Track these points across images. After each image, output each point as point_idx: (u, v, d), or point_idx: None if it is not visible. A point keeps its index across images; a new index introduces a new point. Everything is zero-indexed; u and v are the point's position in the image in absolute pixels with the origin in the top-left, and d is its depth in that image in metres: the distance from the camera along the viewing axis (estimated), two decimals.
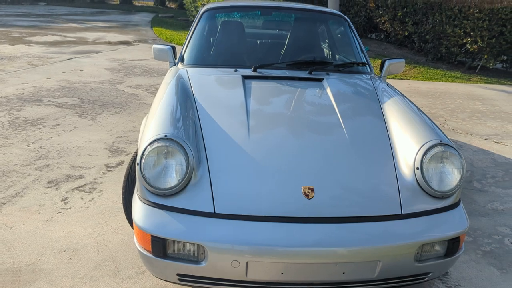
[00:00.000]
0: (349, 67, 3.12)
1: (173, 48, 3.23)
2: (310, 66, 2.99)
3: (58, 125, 4.61)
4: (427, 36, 8.44)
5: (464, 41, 7.66)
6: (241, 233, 1.83)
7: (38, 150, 3.94)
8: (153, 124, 2.15)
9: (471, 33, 7.48)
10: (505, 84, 7.24)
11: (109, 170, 3.63)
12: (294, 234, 1.84)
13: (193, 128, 2.21)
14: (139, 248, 1.96)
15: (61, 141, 4.18)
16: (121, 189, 2.54)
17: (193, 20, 11.58)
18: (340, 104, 2.54)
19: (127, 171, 2.47)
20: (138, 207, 1.97)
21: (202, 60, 3.15)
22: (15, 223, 2.82)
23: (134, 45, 10.07)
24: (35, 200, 3.11)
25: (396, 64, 3.24)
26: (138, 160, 1.97)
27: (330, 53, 3.39)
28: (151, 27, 13.34)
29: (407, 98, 2.76)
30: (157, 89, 6.16)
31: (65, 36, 10.91)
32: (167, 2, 21.19)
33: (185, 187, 1.96)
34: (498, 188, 3.56)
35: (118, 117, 4.94)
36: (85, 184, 3.37)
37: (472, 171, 3.87)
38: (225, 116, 2.40)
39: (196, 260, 1.87)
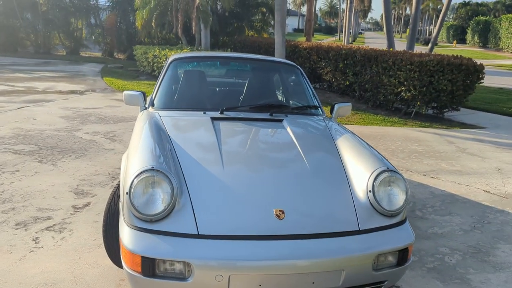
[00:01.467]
0: (304, 110, 3.51)
1: (144, 94, 3.49)
2: (270, 109, 3.35)
3: (18, 170, 4.63)
4: (367, 86, 9.24)
5: (399, 89, 8.48)
6: (223, 250, 2.07)
7: (1, 195, 3.96)
8: (138, 158, 2.38)
9: (405, 83, 8.31)
10: (436, 127, 8.03)
11: (76, 211, 3.71)
12: (269, 250, 2.10)
13: (172, 162, 2.45)
14: (128, 270, 2.12)
15: (24, 186, 4.21)
16: (102, 222, 2.69)
17: (143, 70, 11.79)
18: (299, 140, 2.89)
19: (108, 206, 2.64)
20: (127, 232, 2.16)
21: (171, 104, 3.43)
22: None
23: (86, 94, 10.15)
24: (5, 241, 3.14)
25: (344, 108, 3.68)
26: (126, 190, 2.18)
27: (286, 97, 3.79)
28: (101, 77, 13.46)
29: (355, 134, 3.17)
30: (114, 135, 6.32)
31: (13, 86, 10.79)
32: (115, 53, 21.41)
33: (169, 213, 2.18)
34: (437, 215, 4.01)
35: (79, 162, 5.02)
36: (54, 225, 3.44)
37: (414, 202, 4.31)
38: (199, 152, 2.67)
39: (182, 277, 2.06)
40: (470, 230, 3.72)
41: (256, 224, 2.19)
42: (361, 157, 2.70)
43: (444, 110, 8.69)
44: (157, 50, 12.36)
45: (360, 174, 2.53)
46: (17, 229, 3.34)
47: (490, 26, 40.41)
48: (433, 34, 16.92)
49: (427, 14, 79.08)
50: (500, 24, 36.90)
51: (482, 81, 8.38)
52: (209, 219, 2.18)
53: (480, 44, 42.86)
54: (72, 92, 10.34)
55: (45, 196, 4.00)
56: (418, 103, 8.36)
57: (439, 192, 4.65)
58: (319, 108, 3.62)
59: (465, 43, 48.06)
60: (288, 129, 3.05)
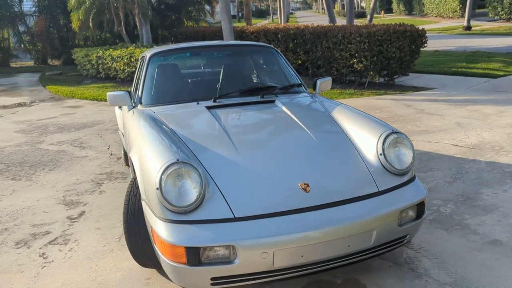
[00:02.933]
0: (290, 88, 3.60)
1: (129, 93, 3.43)
2: (259, 91, 3.42)
3: None
4: (319, 62, 9.49)
5: (351, 62, 8.79)
6: (264, 228, 2.14)
7: None
8: (156, 154, 2.37)
9: (356, 55, 8.62)
10: (391, 94, 8.43)
11: (74, 222, 3.62)
12: (306, 221, 2.20)
13: (189, 153, 2.47)
14: (171, 263, 2.14)
15: (7, 205, 4.02)
16: (122, 224, 2.66)
17: (87, 74, 11.32)
18: (299, 117, 2.99)
19: (126, 207, 2.61)
20: (163, 227, 2.17)
21: (161, 99, 3.41)
22: (2, 285, 2.74)
23: (34, 105, 9.67)
24: (11, 262, 3.03)
25: (325, 82, 3.81)
26: (156, 186, 2.18)
27: (270, 79, 3.86)
28: (43, 86, 12.82)
29: (346, 104, 3.31)
30: (82, 142, 6.12)
31: None
32: (49, 60, 20.37)
33: (201, 202, 2.22)
34: (420, 173, 4.27)
35: (55, 174, 4.84)
36: (56, 238, 3.34)
37: None
38: (208, 140, 2.71)
39: (228, 261, 2.11)
40: (453, 181, 4.01)
41: (286, 200, 2.28)
42: (363, 124, 2.84)
43: (395, 77, 9.12)
44: (101, 51, 11.95)
45: (367, 139, 2.67)
46: (18, 248, 3.22)
47: None
48: (371, 5, 17.54)
49: None
50: None
51: (426, 45, 8.87)
52: (240, 202, 2.24)
53: (406, 12, 44.74)
54: (18, 105, 9.81)
55: (34, 212, 3.85)
56: (371, 72, 8.72)
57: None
58: (303, 86, 3.73)
59: (392, 12, 50.00)
60: (284, 108, 3.13)
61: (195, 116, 3.11)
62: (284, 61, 3.91)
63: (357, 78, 9.18)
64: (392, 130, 2.64)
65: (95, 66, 12.38)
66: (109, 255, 3.05)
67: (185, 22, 18.87)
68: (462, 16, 29.85)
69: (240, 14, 55.89)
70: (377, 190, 2.42)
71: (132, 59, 10.88)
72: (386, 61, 8.52)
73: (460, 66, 10.87)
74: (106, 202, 3.99)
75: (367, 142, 2.67)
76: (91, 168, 4.98)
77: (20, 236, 3.39)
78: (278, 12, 28.91)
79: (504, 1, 25.47)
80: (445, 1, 33.79)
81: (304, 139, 2.74)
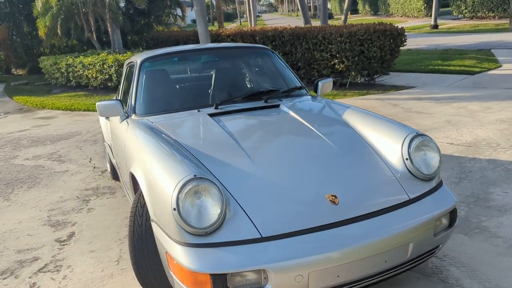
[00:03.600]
0: (292, 92, 3.40)
1: (121, 102, 3.16)
2: (262, 96, 3.21)
3: None
4: (299, 64, 9.35)
5: (332, 62, 8.69)
6: (296, 248, 1.93)
7: None
8: (167, 171, 2.13)
9: (337, 55, 8.53)
10: (374, 93, 8.37)
11: (64, 245, 3.30)
12: (340, 237, 2.00)
13: (201, 167, 2.24)
14: None
15: None
16: (128, 248, 2.39)
17: (56, 83, 10.81)
18: (309, 122, 2.80)
19: (131, 229, 2.35)
20: (183, 251, 1.93)
21: (157, 107, 3.14)
22: None
23: (1, 118, 9.13)
24: None
25: (326, 83, 3.64)
26: (173, 206, 1.94)
27: (270, 82, 3.65)
28: (9, 97, 12.20)
29: (355, 106, 3.14)
30: (60, 156, 5.75)
31: None
32: (13, 69, 19.51)
33: (222, 222, 1.99)
34: None
35: (36, 192, 4.48)
36: (46, 265, 3.03)
37: None
38: (219, 151, 2.47)
39: (258, 287, 1.89)
40: (459, 182, 3.91)
41: (315, 214, 2.07)
42: (380, 127, 2.68)
43: (375, 76, 9.09)
44: (71, 59, 11.46)
45: (388, 144, 2.51)
46: (4, 279, 2.89)
47: None
48: (345, 6, 17.60)
49: None
50: None
51: (405, 43, 8.87)
52: (266, 220, 2.03)
53: (372, 12, 45.49)
54: None
55: (17, 236, 3.51)
56: (353, 73, 8.65)
57: None
58: (304, 88, 3.55)
59: (358, 13, 50.75)
60: (292, 113, 2.94)
61: (198, 125, 2.87)
62: (282, 63, 3.72)
63: (339, 78, 9.09)
64: (417, 133, 2.48)
65: (65, 75, 11.86)
66: (109, 281, 2.76)
67: (155, 27, 18.45)
68: (427, 15, 30.54)
69: (207, 18, 55.60)
70: (408, 198, 2.25)
71: (105, 66, 10.46)
72: (368, 60, 8.47)
73: (436, 64, 10.97)
74: (96, 220, 3.68)
75: (389, 147, 2.50)
76: (74, 183, 4.64)
77: (5, 265, 3.06)
78: (247, 15, 28.76)
79: (468, 0, 26.18)
80: (410, 1, 34.48)
81: (322, 146, 2.54)
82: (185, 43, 12.79)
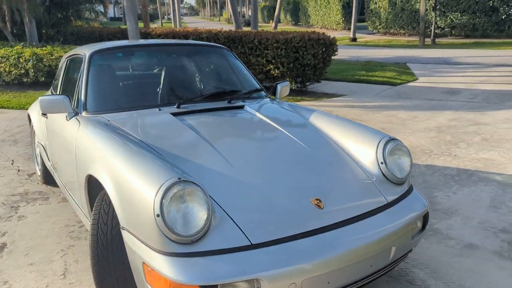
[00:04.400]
0: (252, 93, 3.30)
1: (68, 98, 2.85)
2: (223, 96, 3.08)
3: None
4: None
5: (268, 68, 8.74)
6: (288, 255, 1.84)
7: None
8: (146, 174, 1.92)
9: (273, 61, 8.60)
10: (308, 100, 8.55)
11: None
12: (329, 243, 1.95)
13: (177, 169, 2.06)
14: None
15: None
16: (90, 260, 2.12)
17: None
18: (278, 124, 2.73)
19: (94, 238, 2.10)
20: (167, 262, 1.75)
21: (112, 105, 2.88)
22: None
23: None
24: None
25: (285, 87, 3.61)
26: (157, 212, 1.75)
27: (227, 82, 3.51)
28: None
29: (319, 110, 3.13)
30: None
31: None
32: None
33: (208, 229, 1.84)
34: None
35: None
36: None
37: None
38: (192, 153, 2.31)
39: None
40: None
41: (302, 219, 2.00)
42: (350, 131, 2.68)
43: (307, 84, 9.30)
44: None
45: (360, 147, 2.51)
46: None
47: (299, 5, 44.52)
48: (276, 13, 17.89)
49: None
50: (308, 3, 40.93)
51: (336, 52, 9.19)
52: (254, 226, 1.91)
53: (293, 22, 46.98)
54: None
55: None
56: (288, 79, 8.76)
57: None
58: (264, 91, 3.48)
59: (280, 22, 52.10)
60: (259, 115, 2.85)
61: (163, 124, 2.66)
62: (240, 63, 3.61)
63: (274, 84, 9.16)
64: (389, 137, 2.51)
65: None
66: None
67: (74, 21, 17.33)
68: (345, 28, 32.20)
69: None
70: (386, 202, 2.26)
71: (21, 59, 9.56)
72: (302, 68, 8.64)
73: (361, 74, 11.52)
74: (31, 230, 3.28)
75: (362, 150, 2.50)
76: None
77: None
78: (172, 16, 28.18)
79: (381, 17, 28.00)
80: (329, 14, 36.12)
81: (297, 149, 2.48)
82: (110, 39, 12.14)
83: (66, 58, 3.70)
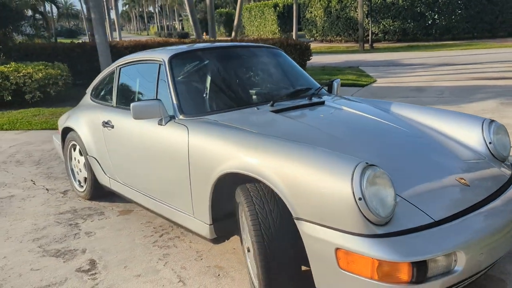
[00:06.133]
0: (320, 90, 3.43)
1: (161, 101, 2.80)
2: (299, 94, 3.17)
3: None
4: None
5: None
6: (470, 228, 1.98)
7: None
8: (330, 161, 1.96)
9: None
10: None
11: (93, 274, 2.75)
12: (490, 216, 2.11)
13: None
14: (384, 285, 1.79)
15: None
16: (257, 256, 2.10)
17: None
18: (371, 115, 2.88)
19: (258, 232, 2.10)
20: (373, 243, 1.82)
21: (209, 106, 2.90)
22: None
23: None
24: None
25: (339, 84, 3.77)
26: (358, 196, 1.82)
27: (295, 80, 3.59)
28: None
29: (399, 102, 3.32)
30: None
31: None
32: None
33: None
34: None
35: None
36: None
37: None
38: (325, 144, 2.36)
39: (448, 271, 1.88)
40: None
41: (460, 196, 2.16)
42: (444, 117, 2.88)
43: None
44: None
45: (463, 131, 2.71)
46: None
47: (233, 16, 45.11)
48: (235, 22, 18.00)
49: (168, 10, 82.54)
50: (242, 14, 41.62)
51: (311, 57, 9.54)
52: (427, 205, 2.03)
53: (227, 33, 47.44)
54: None
55: (18, 272, 2.79)
56: None
57: None
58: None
59: (207, 34, 52.34)
60: (347, 108, 3.01)
61: (275, 120, 2.70)
62: (294, 62, 3.73)
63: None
64: (489, 119, 2.74)
65: None
66: None
67: (15, 37, 16.32)
68: (280, 38, 33.17)
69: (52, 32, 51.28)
70: (509, 177, 2.46)
71: None
72: None
73: (326, 78, 11.94)
74: (109, 244, 3.13)
75: (464, 134, 2.70)
76: (37, 208, 3.86)
77: None
78: (116, 30, 27.49)
79: (318, 25, 29.21)
80: (264, 24, 37.01)
81: (406, 134, 2.65)
82: (67, 55, 11.62)
83: (118, 66, 3.59)
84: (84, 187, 3.97)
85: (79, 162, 3.96)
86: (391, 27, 25.36)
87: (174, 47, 3.56)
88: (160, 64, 3.07)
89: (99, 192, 3.88)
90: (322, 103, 3.11)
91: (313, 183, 1.95)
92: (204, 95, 3.00)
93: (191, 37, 50.01)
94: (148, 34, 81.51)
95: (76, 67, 10.86)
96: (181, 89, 2.92)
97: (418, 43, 23.89)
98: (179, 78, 2.99)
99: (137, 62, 3.40)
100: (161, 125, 2.81)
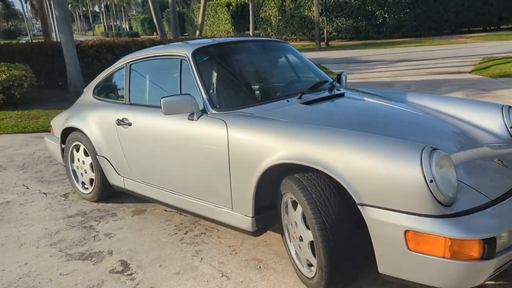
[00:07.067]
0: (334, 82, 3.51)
1: (192, 96, 2.76)
2: (318, 86, 3.23)
3: None
4: None
5: None
6: None
7: None
8: (395, 147, 2.03)
9: None
10: None
11: (130, 274, 2.67)
12: None
13: None
14: (455, 262, 1.88)
15: None
16: (319, 244, 2.13)
17: None
18: (395, 104, 3.00)
19: (319, 220, 2.13)
20: (445, 223, 1.90)
21: (240, 100, 2.88)
22: None
23: None
24: None
25: (346, 77, 3.86)
26: (430, 178, 1.90)
27: (308, 73, 3.64)
28: None
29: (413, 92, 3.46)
30: None
31: None
32: None
33: None
34: None
35: (7, 230, 3.40)
36: None
37: None
38: (374, 130, 2.43)
39: (510, 246, 1.99)
40: None
41: (505, 176, 2.29)
42: (465, 104, 3.03)
43: None
44: None
45: (486, 117, 2.86)
46: None
47: (185, 16, 44.62)
48: (200, 21, 17.82)
49: (114, 10, 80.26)
50: (194, 13, 41.25)
51: None
52: (481, 186, 2.15)
53: (180, 33, 46.85)
54: None
55: (48, 278, 2.66)
56: None
57: None
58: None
59: (157, 34, 51.46)
60: (369, 99, 3.10)
61: (310, 112, 2.74)
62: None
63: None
64: (507, 105, 2.91)
65: None
66: None
67: None
68: (236, 37, 33.17)
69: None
70: None
71: None
72: None
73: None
74: (134, 244, 3.05)
75: (481, 119, 2.86)
76: (41, 213, 3.68)
77: None
78: (55, 32, 26.26)
79: (273, 24, 29.49)
80: (217, 24, 36.90)
81: (441, 123, 2.78)
82: (26, 55, 11.07)
83: (128, 63, 3.49)
84: (90, 189, 3.82)
85: (83, 163, 3.81)
86: (344, 26, 26.05)
87: (190, 41, 3.50)
88: (181, 59, 3.02)
89: (106, 194, 3.75)
90: (342, 94, 3.18)
91: (378, 169, 2.01)
92: (233, 89, 2.99)
93: (142, 36, 49.04)
94: (93, 34, 78.97)
95: (35, 67, 10.33)
96: (209, 83, 2.89)
97: (371, 41, 24.71)
98: (205, 72, 2.96)
99: (152, 58, 3.32)
100: (193, 120, 2.77)
